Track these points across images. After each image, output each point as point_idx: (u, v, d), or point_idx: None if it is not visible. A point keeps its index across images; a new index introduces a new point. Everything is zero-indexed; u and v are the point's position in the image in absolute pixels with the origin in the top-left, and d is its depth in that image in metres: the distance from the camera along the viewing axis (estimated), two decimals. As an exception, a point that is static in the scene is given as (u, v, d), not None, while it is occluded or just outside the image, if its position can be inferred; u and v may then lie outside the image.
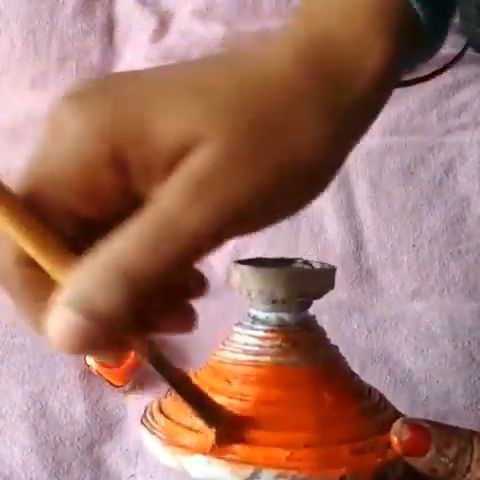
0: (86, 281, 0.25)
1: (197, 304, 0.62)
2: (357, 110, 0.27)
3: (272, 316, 0.36)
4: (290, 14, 0.68)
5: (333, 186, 0.65)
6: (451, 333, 0.57)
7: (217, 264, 0.60)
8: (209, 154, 0.25)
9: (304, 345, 0.35)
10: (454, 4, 0.30)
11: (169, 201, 0.25)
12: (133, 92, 0.26)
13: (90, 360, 0.54)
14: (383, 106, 0.28)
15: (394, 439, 0.32)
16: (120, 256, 0.25)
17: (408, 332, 0.58)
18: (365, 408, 0.35)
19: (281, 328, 0.36)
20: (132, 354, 0.53)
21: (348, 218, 0.62)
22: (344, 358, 0.37)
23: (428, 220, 0.62)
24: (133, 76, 0.27)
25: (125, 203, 0.26)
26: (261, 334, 0.36)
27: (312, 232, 0.61)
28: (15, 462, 0.52)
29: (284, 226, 0.61)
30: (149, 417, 0.37)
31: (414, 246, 0.61)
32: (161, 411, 0.36)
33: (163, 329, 0.29)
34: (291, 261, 0.39)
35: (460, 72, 0.69)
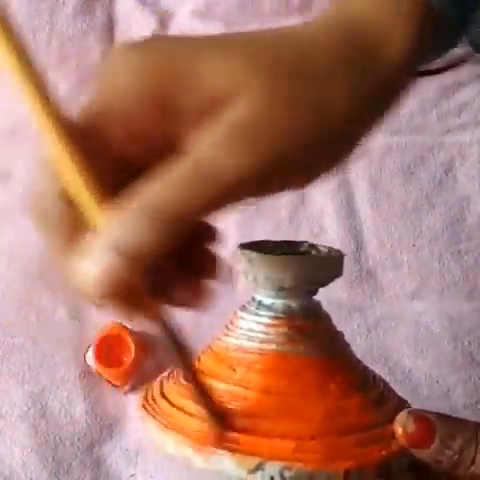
0: (125, 223, 0.25)
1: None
2: (382, 84, 0.29)
3: (278, 303, 0.35)
4: (290, 14, 0.68)
5: (333, 186, 0.65)
6: (451, 333, 0.57)
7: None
8: (250, 103, 0.26)
9: (310, 333, 0.35)
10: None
11: (210, 147, 0.26)
12: (181, 43, 0.28)
13: (90, 360, 0.55)
14: (404, 90, 0.31)
15: (399, 430, 0.32)
16: (160, 199, 0.25)
17: (408, 332, 0.58)
18: (371, 398, 0.34)
19: (287, 315, 0.35)
20: (132, 354, 0.54)
21: (348, 218, 0.62)
22: (349, 346, 0.37)
23: (428, 220, 0.62)
24: (180, 36, 0.30)
25: (165, 147, 0.27)
26: (266, 321, 0.35)
27: (312, 232, 0.61)
28: (15, 462, 0.52)
29: (284, 226, 0.61)
30: (151, 401, 0.36)
31: (414, 246, 0.61)
32: (163, 395, 0.36)
33: (177, 300, 0.30)
34: (297, 245, 0.38)
35: (460, 72, 0.69)
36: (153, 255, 0.25)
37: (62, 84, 0.65)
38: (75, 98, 0.65)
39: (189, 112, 0.27)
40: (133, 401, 0.56)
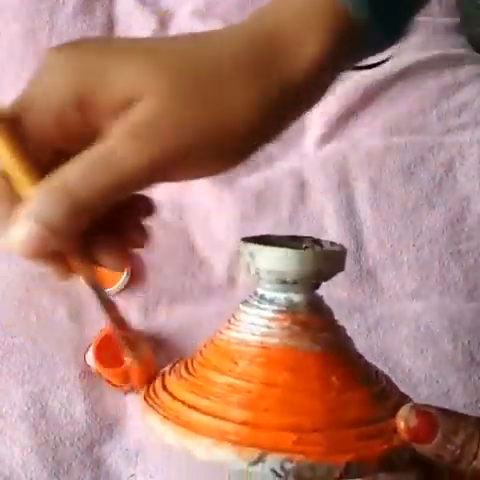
0: (41, 197, 0.31)
1: (197, 304, 0.62)
2: (289, 93, 0.32)
3: (280, 296, 0.35)
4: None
5: (333, 186, 0.65)
6: (451, 333, 0.57)
7: (217, 264, 0.60)
8: (147, 107, 0.30)
9: (313, 327, 0.35)
10: (413, 7, 0.34)
11: (112, 140, 0.30)
12: (102, 47, 0.32)
13: (90, 360, 0.55)
14: (319, 95, 0.33)
15: (401, 425, 0.32)
16: (66, 180, 0.30)
17: (408, 332, 0.58)
18: (373, 392, 0.34)
19: (290, 309, 0.35)
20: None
21: (348, 218, 0.62)
22: (351, 340, 0.37)
23: (428, 220, 0.62)
24: (106, 39, 0.34)
25: (87, 138, 0.31)
26: (269, 315, 0.35)
27: (312, 232, 0.61)
28: (15, 462, 0.52)
29: (284, 226, 0.61)
30: (152, 394, 0.36)
31: (414, 246, 0.61)
32: (165, 388, 0.36)
33: (101, 262, 0.35)
34: (300, 239, 0.38)
35: (460, 72, 0.69)
36: (64, 225, 0.31)
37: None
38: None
39: (105, 109, 0.31)
40: (133, 401, 0.56)
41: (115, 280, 0.58)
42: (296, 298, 0.35)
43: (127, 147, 0.30)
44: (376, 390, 0.35)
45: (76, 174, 0.30)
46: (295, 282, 0.35)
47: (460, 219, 0.62)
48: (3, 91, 0.65)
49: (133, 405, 0.56)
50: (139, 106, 0.30)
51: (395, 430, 0.32)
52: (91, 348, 0.54)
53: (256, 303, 0.36)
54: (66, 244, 0.32)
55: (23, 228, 0.31)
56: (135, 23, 0.68)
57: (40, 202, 0.31)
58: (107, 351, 0.54)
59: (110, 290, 0.57)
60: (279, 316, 0.35)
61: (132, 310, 0.58)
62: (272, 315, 0.35)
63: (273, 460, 0.31)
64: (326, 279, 0.36)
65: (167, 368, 0.38)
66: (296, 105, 0.33)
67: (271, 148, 0.65)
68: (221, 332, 0.36)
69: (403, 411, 0.32)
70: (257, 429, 0.32)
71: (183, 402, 0.34)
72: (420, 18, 0.36)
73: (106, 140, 0.31)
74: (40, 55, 0.66)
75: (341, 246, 0.37)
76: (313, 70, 0.32)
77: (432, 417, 0.31)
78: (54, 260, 0.34)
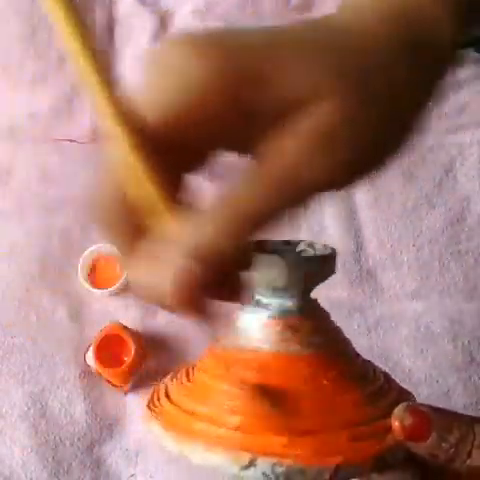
0: (206, 229, 0.26)
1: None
2: (437, 67, 0.30)
3: (274, 302, 0.35)
4: (290, 14, 0.68)
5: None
6: (451, 333, 0.57)
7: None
8: (330, 111, 0.26)
9: (306, 331, 0.35)
10: None
11: (292, 152, 0.26)
12: (249, 42, 0.27)
13: (90, 360, 0.55)
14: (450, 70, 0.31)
15: (395, 424, 0.32)
16: (241, 204, 0.26)
17: (408, 332, 0.58)
18: (368, 393, 0.34)
19: (282, 314, 0.35)
20: (132, 354, 0.54)
21: (348, 218, 0.62)
22: (347, 341, 0.37)
23: (428, 220, 0.62)
24: (242, 31, 0.28)
25: (233, 146, 0.28)
26: (263, 320, 0.35)
27: (312, 232, 0.61)
28: (15, 462, 0.52)
29: (284, 226, 0.61)
30: (156, 401, 0.36)
31: (414, 246, 0.61)
32: (167, 395, 0.36)
33: (225, 296, 0.30)
34: (295, 243, 0.38)
35: (460, 72, 0.69)
36: (229, 260, 0.26)
37: (62, 84, 0.65)
38: (75, 98, 0.65)
39: (265, 114, 0.27)
40: (133, 401, 0.56)
41: (115, 280, 0.58)
42: (288, 303, 0.35)
43: (308, 158, 0.27)
44: (371, 390, 0.35)
45: (248, 197, 0.26)
46: (286, 288, 0.35)
47: (460, 219, 0.62)
48: (3, 91, 0.65)
49: (133, 405, 0.56)
50: (318, 110, 0.26)
51: (390, 430, 0.32)
52: (91, 348, 0.54)
53: (252, 308, 0.36)
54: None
55: (177, 267, 0.25)
56: (135, 23, 0.68)
57: (204, 234, 0.26)
58: (107, 351, 0.54)
59: (110, 290, 0.57)
60: (271, 321, 0.35)
61: (132, 310, 0.58)
62: (265, 321, 0.35)
63: (264, 464, 0.31)
64: (317, 283, 0.36)
65: (171, 374, 0.38)
66: (442, 77, 0.31)
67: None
68: (218, 338, 0.37)
69: (398, 410, 0.32)
70: (249, 434, 0.32)
71: (181, 408, 0.34)
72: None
73: (278, 152, 0.27)
74: (40, 55, 0.66)
75: (332, 249, 0.37)
76: (452, 42, 0.30)
77: (427, 416, 0.31)
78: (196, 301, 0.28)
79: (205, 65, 0.26)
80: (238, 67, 0.26)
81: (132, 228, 0.27)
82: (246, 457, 0.31)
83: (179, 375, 0.37)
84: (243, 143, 0.28)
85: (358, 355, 0.37)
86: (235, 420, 0.33)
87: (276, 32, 0.28)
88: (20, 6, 0.67)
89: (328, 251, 0.37)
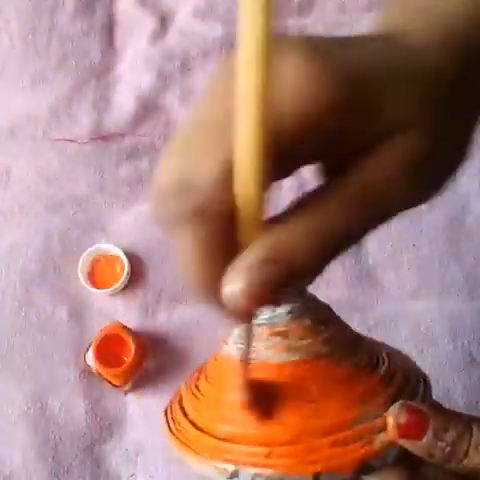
0: (290, 238, 0.27)
1: (197, 304, 0.62)
2: None
3: (267, 309, 0.35)
4: (290, 14, 0.68)
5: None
6: (451, 333, 0.57)
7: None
8: (420, 139, 0.27)
9: (293, 336, 0.34)
10: None
11: (381, 176, 0.27)
12: (363, 64, 0.27)
13: (90, 360, 0.55)
14: None
15: (390, 421, 0.31)
16: (324, 217, 0.27)
17: (408, 332, 0.58)
18: (359, 393, 0.33)
19: (270, 321, 0.35)
20: (132, 354, 0.54)
21: (348, 218, 0.62)
22: (344, 338, 0.36)
23: (428, 220, 0.62)
24: (350, 42, 0.28)
25: (323, 159, 0.29)
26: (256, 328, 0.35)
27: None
28: (15, 462, 0.52)
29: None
30: (169, 409, 0.37)
31: (414, 246, 0.61)
32: (180, 404, 0.36)
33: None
34: None
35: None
36: (305, 272, 0.27)
37: (62, 84, 0.65)
38: (75, 98, 0.65)
39: (361, 134, 0.27)
40: (133, 401, 0.56)
41: (115, 280, 0.58)
42: (278, 309, 0.35)
43: (396, 185, 0.27)
44: (364, 388, 0.34)
45: (331, 210, 0.27)
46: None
47: (460, 219, 0.62)
48: (3, 91, 0.65)
49: (133, 405, 0.56)
50: (408, 137, 0.27)
51: (379, 431, 0.32)
52: (91, 348, 0.54)
53: None
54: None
55: (256, 272, 0.27)
56: (135, 23, 0.68)
57: (287, 241, 0.27)
58: (107, 351, 0.54)
59: (110, 290, 0.58)
60: (259, 329, 0.35)
61: (132, 310, 0.58)
62: (257, 329, 0.35)
63: (246, 475, 0.31)
64: (302, 286, 0.35)
65: (188, 375, 0.39)
66: None
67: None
68: (219, 346, 0.37)
69: (393, 408, 0.31)
70: (235, 443, 0.32)
71: (189, 419, 0.35)
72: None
73: (367, 173, 0.27)
74: (40, 55, 0.66)
75: None
76: None
77: (423, 414, 0.31)
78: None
79: (324, 83, 0.26)
80: (356, 93, 0.27)
81: (224, 240, 0.28)
82: (231, 467, 0.32)
83: (191, 380, 0.37)
84: (330, 157, 0.28)
85: (356, 350, 0.36)
86: (224, 430, 0.33)
87: (380, 52, 0.28)
88: (20, 6, 0.67)
89: None
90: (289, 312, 0.35)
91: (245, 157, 0.26)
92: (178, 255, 0.29)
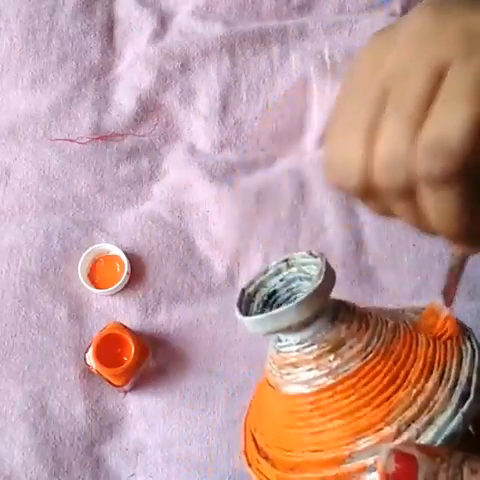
0: None
1: (197, 304, 0.62)
2: None
3: (280, 337, 0.36)
4: (290, 14, 0.68)
5: (333, 186, 0.65)
6: (451, 333, 0.57)
7: (217, 264, 0.60)
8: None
9: (302, 366, 0.35)
10: None
11: None
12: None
13: (90, 360, 0.55)
14: None
15: (379, 469, 0.30)
16: None
17: (408, 332, 0.58)
18: (363, 426, 0.33)
19: (283, 350, 0.36)
20: (132, 354, 0.54)
21: (348, 218, 0.62)
22: (351, 359, 0.35)
23: (428, 220, 0.62)
24: None
25: None
26: (273, 356, 0.37)
27: (312, 232, 0.61)
28: (15, 462, 0.52)
29: (284, 226, 0.61)
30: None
31: (414, 246, 0.61)
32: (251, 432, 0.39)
33: None
34: (291, 259, 0.39)
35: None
36: None
37: (62, 84, 0.65)
38: (75, 98, 0.65)
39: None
40: (133, 401, 0.56)
41: (115, 280, 0.58)
42: (291, 338, 0.36)
43: None
44: (371, 419, 0.33)
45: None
46: (282, 330, 0.35)
47: (460, 219, 0.62)
48: (3, 91, 0.65)
49: (133, 405, 0.56)
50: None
51: (372, 469, 0.32)
52: (91, 348, 0.54)
53: (273, 342, 0.38)
54: None
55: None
56: (135, 23, 0.68)
57: None
58: (107, 351, 0.54)
59: (110, 290, 0.58)
60: (271, 359, 0.37)
61: (132, 310, 0.58)
62: (275, 356, 0.37)
63: None
64: (315, 318, 0.36)
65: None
66: None
67: (271, 148, 0.65)
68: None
69: (382, 455, 0.30)
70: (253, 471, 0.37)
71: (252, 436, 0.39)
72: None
73: None
74: (40, 55, 0.66)
75: (327, 268, 0.37)
76: None
77: (412, 461, 0.30)
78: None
79: None
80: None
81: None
82: None
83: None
84: None
85: (372, 359, 0.35)
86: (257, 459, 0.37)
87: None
88: (20, 6, 0.67)
89: (320, 278, 0.36)
90: (297, 343, 0.36)
91: None
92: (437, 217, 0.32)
